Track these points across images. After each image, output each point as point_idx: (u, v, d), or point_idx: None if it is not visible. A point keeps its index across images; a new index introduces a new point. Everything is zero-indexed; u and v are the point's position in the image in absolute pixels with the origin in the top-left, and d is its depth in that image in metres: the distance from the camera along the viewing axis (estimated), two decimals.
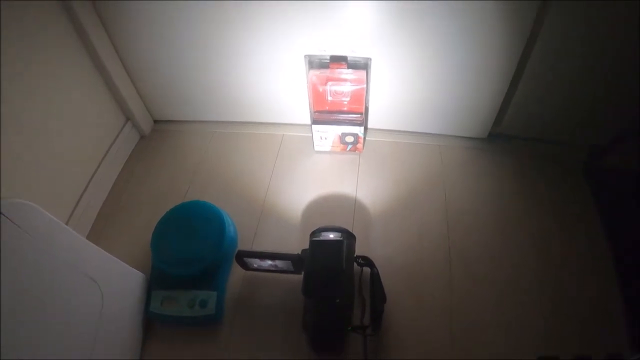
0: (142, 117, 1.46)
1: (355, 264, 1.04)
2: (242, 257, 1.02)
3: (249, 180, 1.32)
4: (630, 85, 1.09)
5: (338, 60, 1.19)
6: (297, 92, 1.32)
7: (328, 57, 1.19)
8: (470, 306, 1.05)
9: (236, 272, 1.10)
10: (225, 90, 1.38)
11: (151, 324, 1.05)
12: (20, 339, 0.66)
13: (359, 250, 1.06)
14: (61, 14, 1.11)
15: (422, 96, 1.29)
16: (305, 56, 1.21)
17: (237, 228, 1.17)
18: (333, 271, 0.91)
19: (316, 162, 1.37)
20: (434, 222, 1.20)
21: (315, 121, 1.29)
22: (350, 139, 1.31)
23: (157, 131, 1.52)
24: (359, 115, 1.28)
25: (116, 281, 0.94)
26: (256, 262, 1.04)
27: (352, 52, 1.18)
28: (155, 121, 1.54)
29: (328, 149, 1.37)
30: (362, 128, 1.28)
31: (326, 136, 1.31)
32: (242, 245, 1.16)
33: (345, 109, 1.27)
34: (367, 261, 1.06)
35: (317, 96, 1.25)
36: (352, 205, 1.25)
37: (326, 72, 1.20)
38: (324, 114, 1.29)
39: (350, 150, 1.36)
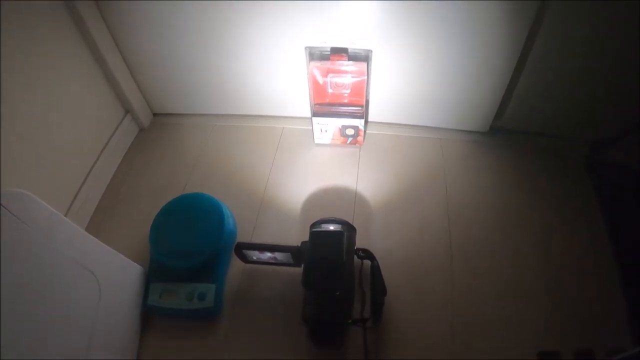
0: (141, 110, 1.45)
1: (355, 257, 1.04)
2: (241, 249, 1.01)
3: (248, 173, 1.32)
4: (633, 80, 1.08)
5: (339, 52, 1.18)
6: (298, 85, 1.31)
7: (328, 49, 1.18)
8: (471, 300, 1.04)
9: (235, 265, 1.10)
10: (225, 83, 1.37)
11: (149, 317, 1.04)
12: (16, 330, 0.66)
13: (359, 243, 1.06)
14: (61, 6, 1.11)
15: (423, 89, 1.28)
16: (305, 48, 1.20)
17: (236, 221, 1.17)
18: (333, 263, 0.91)
19: (316, 155, 1.36)
20: (434, 215, 1.19)
21: (315, 113, 1.28)
22: (350, 131, 1.30)
23: (156, 124, 1.51)
24: (360, 108, 1.27)
25: (114, 274, 0.94)
26: (255, 255, 1.03)
27: (353, 44, 1.17)
28: (155, 114, 1.53)
29: (328, 141, 1.36)
30: (362, 120, 1.28)
31: (326, 129, 1.30)
32: (242, 238, 1.15)
33: (345, 101, 1.26)
34: (367, 254, 1.06)
35: (317, 88, 1.24)
36: (352, 198, 1.24)
37: (327, 64, 1.19)
38: (324, 107, 1.28)
39: (350, 143, 1.35)
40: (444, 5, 1.04)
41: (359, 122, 1.27)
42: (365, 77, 1.20)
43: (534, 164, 1.30)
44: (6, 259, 0.63)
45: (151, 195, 1.28)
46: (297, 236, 1.02)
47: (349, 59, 1.19)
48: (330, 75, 1.20)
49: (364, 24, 1.12)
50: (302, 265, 0.95)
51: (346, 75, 1.20)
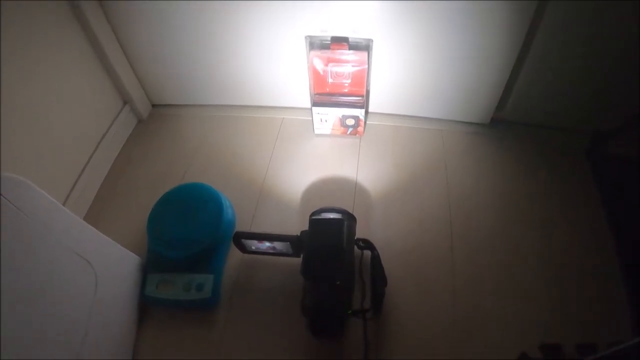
0: (140, 101, 1.44)
1: (355, 247, 1.03)
2: (240, 239, 1.00)
3: (247, 164, 1.31)
4: (634, 71, 1.08)
5: (339, 41, 1.17)
6: (298, 75, 1.30)
7: (329, 38, 1.17)
8: (472, 291, 1.03)
9: (234, 256, 1.09)
10: (225, 73, 1.36)
11: (146, 307, 1.03)
12: (11, 320, 0.64)
13: (359, 234, 1.05)
14: None
15: (424, 80, 1.27)
16: (306, 37, 1.18)
17: (235, 211, 1.16)
18: (333, 250, 0.90)
19: (316, 145, 1.35)
20: (435, 206, 1.18)
21: (315, 103, 1.27)
22: (351, 121, 1.29)
23: (155, 115, 1.50)
24: (360, 98, 1.26)
25: (111, 264, 0.93)
26: (254, 245, 1.02)
27: (354, 33, 1.16)
28: (153, 105, 1.52)
29: (328, 132, 1.34)
30: (363, 110, 1.26)
31: (326, 119, 1.29)
32: (240, 229, 1.12)
33: (346, 91, 1.25)
34: (367, 244, 1.04)
35: (317, 78, 1.23)
36: (352, 188, 1.23)
37: (327, 53, 1.18)
38: (324, 96, 1.27)
39: (350, 133, 1.34)
40: None
41: (360, 112, 1.26)
42: (366, 67, 1.18)
43: (535, 155, 1.29)
44: (2, 246, 0.62)
45: (150, 186, 1.26)
46: (296, 226, 1.01)
47: (349, 48, 1.17)
48: (330, 64, 1.19)
49: (365, 13, 1.11)
50: (302, 255, 0.94)
51: (347, 65, 1.19)
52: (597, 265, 1.06)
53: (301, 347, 0.96)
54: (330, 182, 1.25)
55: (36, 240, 0.71)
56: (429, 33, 1.13)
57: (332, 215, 0.99)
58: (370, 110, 1.40)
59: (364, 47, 1.18)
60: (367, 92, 1.30)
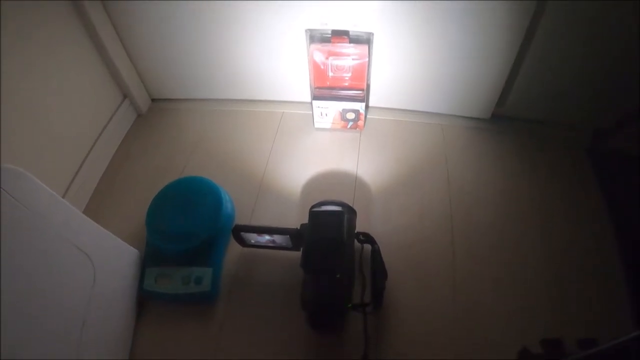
0: (139, 95, 1.44)
1: (355, 241, 1.02)
2: (239, 232, 0.99)
3: (247, 158, 1.30)
4: (634, 67, 1.07)
5: (340, 35, 1.16)
6: (298, 69, 1.29)
7: (329, 32, 1.17)
8: (472, 286, 1.03)
9: (233, 249, 1.08)
10: (224, 67, 1.35)
11: (145, 301, 1.03)
12: (8, 312, 0.64)
13: (359, 227, 1.04)
14: None
15: (424, 74, 1.27)
16: (306, 30, 1.18)
17: (234, 205, 1.15)
18: (334, 243, 0.89)
19: (316, 139, 1.34)
20: (436, 201, 1.18)
21: (315, 97, 1.26)
22: (351, 115, 1.28)
23: (154, 109, 1.49)
24: (361, 92, 1.25)
25: (109, 257, 0.92)
26: (253, 238, 1.01)
27: (354, 27, 1.15)
28: (153, 99, 1.51)
29: (328, 126, 1.34)
30: (363, 104, 1.26)
31: (327, 112, 1.29)
32: (240, 222, 1.12)
33: (346, 84, 1.25)
34: (367, 238, 1.04)
35: (318, 72, 1.22)
36: (352, 182, 1.22)
37: (327, 47, 1.17)
38: (324, 90, 1.26)
39: (351, 127, 1.33)
40: None
41: (360, 106, 1.26)
42: (367, 60, 1.18)
43: (536, 151, 1.29)
44: (1, 238, 0.62)
45: (149, 180, 1.26)
46: (296, 220, 1.00)
47: (350, 42, 1.17)
48: (331, 57, 1.18)
49: (365, 6, 1.10)
50: (302, 248, 0.94)
51: (347, 58, 1.18)
52: (597, 261, 1.06)
53: (301, 341, 0.96)
54: (331, 176, 1.24)
55: (35, 233, 0.71)
56: (430, 27, 1.12)
57: (332, 208, 0.98)
58: (370, 104, 1.39)
59: (365, 40, 1.17)
60: (368, 86, 1.29)
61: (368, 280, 1.00)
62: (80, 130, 1.23)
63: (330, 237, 0.89)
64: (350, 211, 1.01)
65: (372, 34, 1.16)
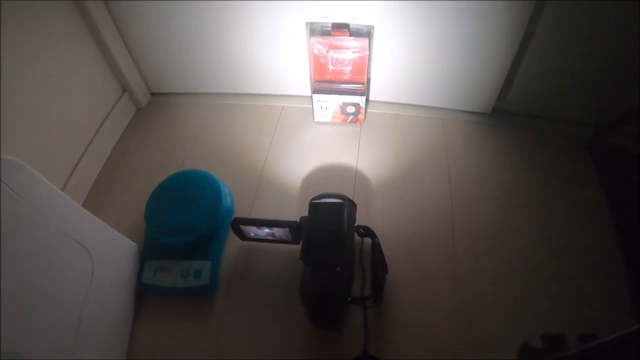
0: (139, 89, 1.44)
1: (355, 234, 1.02)
2: (239, 225, 0.99)
3: (247, 152, 1.30)
4: (634, 64, 1.07)
5: (340, 28, 1.15)
6: (298, 63, 1.29)
7: (330, 25, 1.16)
8: (473, 279, 1.02)
9: (233, 243, 1.08)
10: (224, 61, 1.35)
11: (144, 295, 1.02)
12: (6, 305, 0.63)
13: (359, 221, 1.04)
14: None
15: (425, 68, 1.26)
16: (306, 24, 1.17)
17: (234, 199, 1.15)
18: (334, 236, 0.88)
19: (316, 133, 1.34)
20: (436, 195, 1.17)
21: (315, 90, 1.26)
22: (351, 109, 1.28)
23: (154, 103, 1.49)
24: (361, 85, 1.25)
25: (108, 250, 0.92)
26: (253, 231, 1.01)
27: (355, 20, 1.15)
28: (152, 94, 1.51)
29: (328, 119, 1.33)
30: (363, 98, 1.25)
31: (327, 106, 1.28)
32: (239, 216, 1.12)
33: (346, 78, 1.24)
34: (368, 231, 1.04)
35: (318, 65, 1.22)
36: (352, 176, 1.22)
37: (328, 40, 1.17)
38: (324, 84, 1.26)
39: (351, 121, 1.32)
40: None
41: (360, 100, 1.25)
42: (367, 53, 1.17)
43: (536, 146, 1.28)
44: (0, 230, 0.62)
45: (148, 173, 1.26)
46: (296, 214, 1.00)
47: (350, 35, 1.16)
48: (331, 50, 1.17)
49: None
50: (301, 241, 0.93)
51: (347, 51, 1.17)
52: (597, 258, 1.05)
53: (300, 334, 0.95)
54: (330, 169, 1.24)
55: (34, 225, 0.70)
56: (431, 21, 1.12)
57: (332, 201, 0.97)
58: (371, 98, 1.39)
59: (365, 33, 1.16)
60: (368, 79, 1.28)
61: (368, 273, 1.00)
62: (79, 124, 1.23)
63: (331, 230, 0.89)
64: (350, 204, 1.00)
65: (373, 27, 1.15)
